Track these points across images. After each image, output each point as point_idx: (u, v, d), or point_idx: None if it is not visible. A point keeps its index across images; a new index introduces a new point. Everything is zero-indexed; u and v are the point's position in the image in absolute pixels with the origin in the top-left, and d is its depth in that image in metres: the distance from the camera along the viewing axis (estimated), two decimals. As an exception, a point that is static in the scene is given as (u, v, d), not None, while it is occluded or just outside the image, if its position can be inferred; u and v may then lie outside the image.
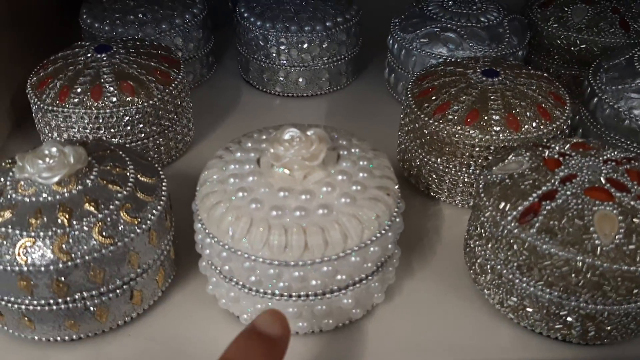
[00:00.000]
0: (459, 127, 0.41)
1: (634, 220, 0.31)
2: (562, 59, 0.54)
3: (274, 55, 0.54)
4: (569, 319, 0.33)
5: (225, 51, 0.64)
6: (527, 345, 0.35)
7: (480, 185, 0.36)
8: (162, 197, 0.35)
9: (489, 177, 0.36)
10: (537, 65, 0.56)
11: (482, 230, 0.35)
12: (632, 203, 0.32)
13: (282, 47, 0.53)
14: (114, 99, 0.43)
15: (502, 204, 0.33)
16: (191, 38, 0.55)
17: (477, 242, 0.36)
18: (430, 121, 0.42)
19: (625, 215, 0.31)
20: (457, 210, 0.44)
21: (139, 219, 0.33)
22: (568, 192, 0.33)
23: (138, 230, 0.33)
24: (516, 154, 0.37)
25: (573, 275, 0.31)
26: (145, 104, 0.44)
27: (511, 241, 0.33)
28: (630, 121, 0.44)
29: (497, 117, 0.40)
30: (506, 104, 0.41)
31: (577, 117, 0.49)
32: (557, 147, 0.36)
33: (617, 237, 0.31)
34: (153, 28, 0.53)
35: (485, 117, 0.41)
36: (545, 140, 0.39)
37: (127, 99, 0.44)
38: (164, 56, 0.47)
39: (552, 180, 0.33)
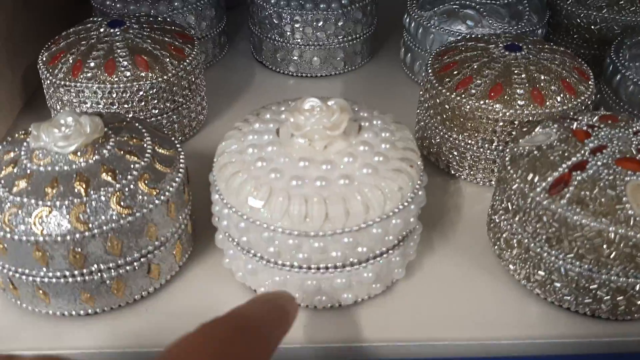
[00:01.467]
0: (482, 102, 0.40)
1: (667, 190, 0.30)
2: (581, 38, 0.53)
3: (288, 33, 0.53)
4: (599, 293, 0.32)
5: (237, 32, 0.63)
6: (554, 322, 0.34)
7: (507, 158, 0.35)
8: (180, 169, 0.34)
9: (515, 149, 0.35)
10: (556, 45, 0.55)
11: (509, 204, 0.34)
12: None
13: (297, 25, 0.52)
14: (128, 74, 0.42)
15: (531, 176, 0.32)
16: (204, 17, 0.54)
17: (503, 217, 0.35)
18: (452, 96, 0.41)
19: None
20: (479, 187, 0.43)
21: (158, 190, 0.33)
22: (599, 163, 0.32)
23: (157, 202, 0.32)
24: (543, 126, 0.36)
25: (605, 246, 0.30)
26: (159, 79, 0.43)
27: (540, 213, 0.32)
28: (656, 97, 0.43)
29: (522, 92, 0.39)
30: (530, 78, 0.40)
31: (599, 96, 0.48)
32: (585, 119, 0.35)
33: None
34: (166, 6, 0.52)
35: (509, 91, 0.40)
36: (571, 113, 0.38)
37: (142, 73, 0.43)
38: (178, 32, 0.46)
39: (582, 151, 0.32)
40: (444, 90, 0.41)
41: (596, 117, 0.35)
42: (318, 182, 0.31)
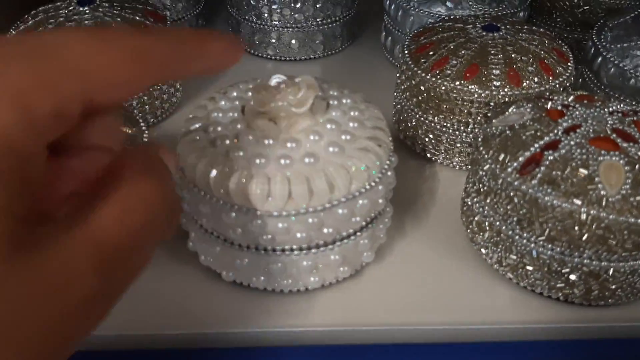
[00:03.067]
0: (457, 83, 0.39)
1: (642, 171, 0.29)
2: (564, 21, 0.52)
3: (266, 15, 0.52)
4: (571, 277, 0.31)
5: (215, 15, 0.62)
6: (526, 306, 0.33)
7: (479, 139, 0.34)
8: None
9: (488, 130, 0.34)
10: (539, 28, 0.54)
11: (481, 185, 0.33)
12: (639, 153, 0.30)
13: (274, 7, 0.51)
14: (96, 53, 0.41)
15: (502, 156, 0.31)
16: (180, -2, 0.53)
17: (475, 199, 0.34)
18: (428, 77, 0.40)
19: (632, 165, 0.29)
20: (455, 172, 0.42)
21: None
22: (572, 142, 0.31)
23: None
24: (517, 106, 0.35)
25: (577, 228, 0.29)
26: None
27: (511, 194, 0.31)
28: (636, 80, 0.42)
29: (498, 72, 0.38)
30: (507, 58, 0.39)
31: (580, 79, 0.47)
32: (560, 99, 0.34)
33: (623, 187, 0.29)
34: (140, -15, 0.51)
35: (485, 72, 0.38)
36: (547, 93, 0.37)
37: (110, 53, 0.41)
38: (150, 11, 0.45)
39: (555, 131, 0.31)
40: (419, 72, 0.40)
41: (572, 97, 0.34)
42: (282, 160, 0.30)
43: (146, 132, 0.34)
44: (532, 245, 0.31)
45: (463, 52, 0.40)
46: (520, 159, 0.31)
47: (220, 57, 0.21)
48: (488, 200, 0.32)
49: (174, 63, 0.19)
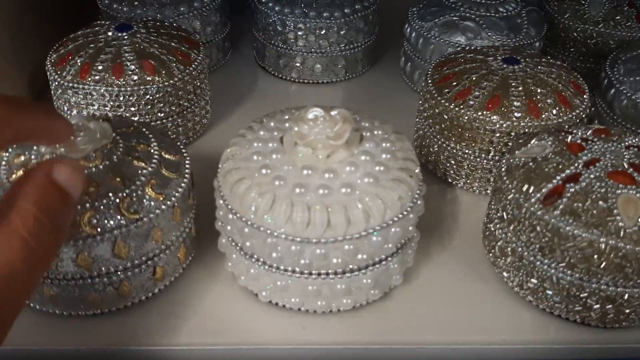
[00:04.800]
0: (480, 113, 0.41)
1: (657, 204, 0.32)
2: (577, 51, 0.54)
3: (292, 40, 0.54)
4: (589, 301, 0.33)
5: (241, 37, 0.64)
6: (545, 328, 0.35)
7: (503, 169, 0.36)
8: (186, 175, 0.35)
9: (511, 160, 0.36)
10: (552, 57, 0.56)
11: (504, 213, 0.35)
12: None
13: (300, 33, 0.53)
14: (135, 77, 0.43)
15: (526, 186, 0.34)
16: (209, 22, 0.55)
17: (498, 225, 0.36)
18: (451, 106, 0.42)
19: None
20: (475, 196, 0.44)
21: (164, 196, 0.33)
22: (592, 176, 0.33)
23: (163, 207, 0.33)
24: (539, 139, 0.37)
25: (595, 256, 0.31)
26: (166, 83, 0.44)
27: (534, 223, 0.33)
28: (648, 112, 0.44)
29: (518, 104, 0.41)
30: (527, 90, 0.41)
31: (593, 108, 0.49)
32: (579, 133, 0.36)
33: None
34: (172, 10, 0.53)
35: (507, 103, 0.41)
36: (566, 126, 0.39)
37: (148, 77, 0.44)
38: (184, 37, 0.47)
39: (576, 164, 0.34)
40: (442, 101, 0.42)
41: (590, 131, 0.37)
42: (320, 190, 0.32)
43: (188, 159, 0.36)
44: (553, 271, 0.33)
45: (485, 83, 0.42)
46: (544, 190, 0.33)
47: (55, 135, 0.29)
48: (511, 228, 0.35)
49: (21, 133, 0.25)
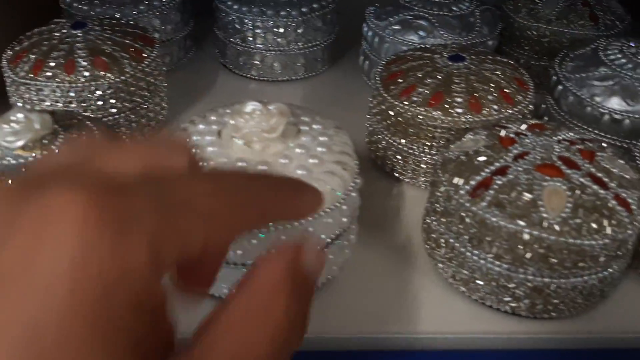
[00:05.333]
0: (422, 109, 0.42)
1: (582, 195, 0.32)
2: (532, 50, 0.55)
3: (250, 39, 0.55)
4: (517, 291, 0.34)
5: (205, 36, 0.64)
6: (478, 318, 0.35)
7: (438, 163, 0.37)
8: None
9: (446, 154, 0.37)
10: (508, 56, 0.57)
11: (437, 205, 0.36)
12: (581, 180, 0.33)
13: (258, 31, 0.54)
14: (87, 74, 0.44)
15: (456, 179, 0.34)
16: (169, 20, 0.56)
17: (433, 218, 0.36)
18: (396, 103, 0.43)
19: (574, 190, 0.32)
20: (421, 191, 0.45)
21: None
22: (519, 168, 0.34)
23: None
24: (474, 133, 0.37)
25: (520, 247, 0.32)
26: (117, 79, 0.45)
27: (463, 214, 0.34)
28: (592, 108, 0.45)
29: (460, 100, 0.41)
30: (469, 87, 0.42)
31: (544, 106, 0.50)
32: (513, 127, 0.37)
33: (564, 211, 0.32)
34: (131, 9, 0.54)
35: (449, 100, 0.41)
36: (503, 121, 0.40)
37: (100, 73, 0.44)
38: (139, 35, 0.48)
39: (505, 157, 0.34)
40: (389, 98, 0.43)
41: (525, 126, 0.37)
42: (253, 181, 0.32)
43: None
44: (482, 261, 0.34)
45: (429, 80, 0.43)
46: (472, 182, 0.34)
47: (304, 210, 0.22)
48: (444, 220, 0.35)
49: (272, 211, 0.20)
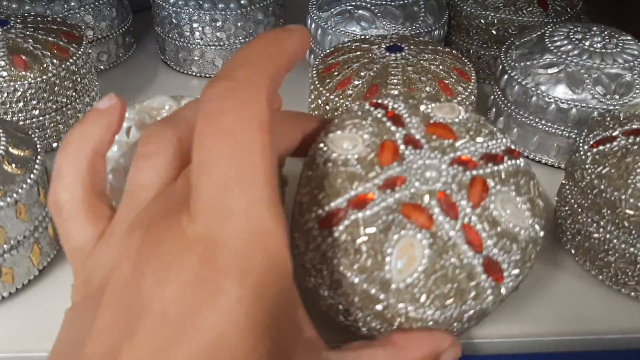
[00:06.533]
0: (357, 103, 0.40)
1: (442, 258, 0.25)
2: (481, 39, 0.54)
3: (187, 33, 0.52)
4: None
5: (146, 33, 0.62)
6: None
7: None
8: (35, 170, 0.34)
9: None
10: (457, 46, 0.55)
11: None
12: (450, 234, 0.25)
13: (195, 25, 0.52)
14: (5, 74, 0.42)
15: (316, 197, 0.26)
16: (103, 16, 0.53)
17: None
18: (332, 97, 0.41)
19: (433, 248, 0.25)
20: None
21: (3, 192, 0.32)
22: (383, 204, 0.25)
23: (1, 203, 0.32)
24: (357, 127, 0.28)
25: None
26: (38, 79, 0.42)
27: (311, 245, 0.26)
28: (538, 97, 0.43)
29: (396, 92, 0.39)
30: (406, 79, 0.40)
31: (492, 96, 0.48)
32: (411, 129, 0.28)
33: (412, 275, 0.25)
34: (61, 5, 0.51)
35: (384, 92, 0.40)
36: (406, 115, 0.29)
37: (20, 73, 0.42)
38: (65, 32, 0.46)
39: (373, 182, 0.26)
40: (324, 91, 0.41)
41: (423, 131, 0.28)
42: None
43: (41, 154, 0.35)
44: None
45: (365, 72, 0.41)
46: (326, 208, 0.26)
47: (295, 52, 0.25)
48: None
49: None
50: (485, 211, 0.26)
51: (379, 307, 0.25)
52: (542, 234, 0.27)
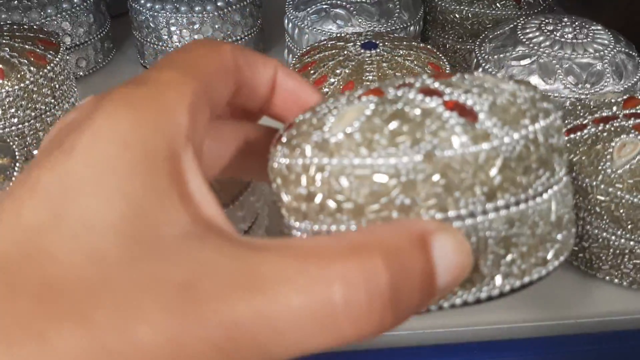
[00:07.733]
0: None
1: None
2: (456, 33, 0.54)
3: (166, 37, 0.53)
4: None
5: (125, 39, 0.62)
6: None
7: None
8: (13, 178, 0.34)
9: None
10: (434, 41, 0.56)
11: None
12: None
13: (173, 28, 0.52)
14: (-18, 83, 0.42)
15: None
16: (80, 23, 0.53)
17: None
18: (308, 95, 0.41)
19: None
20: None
21: (-17, 200, 0.32)
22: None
23: (-19, 212, 0.32)
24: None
25: None
26: (16, 87, 0.42)
27: None
28: (511, 90, 0.44)
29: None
30: (382, 75, 0.41)
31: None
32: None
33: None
34: (38, 13, 0.51)
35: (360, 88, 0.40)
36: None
37: (-3, 82, 0.42)
38: (42, 39, 0.46)
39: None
40: (301, 90, 0.42)
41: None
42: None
43: (19, 162, 0.35)
44: None
45: (340, 70, 0.41)
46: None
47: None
48: None
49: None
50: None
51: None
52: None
